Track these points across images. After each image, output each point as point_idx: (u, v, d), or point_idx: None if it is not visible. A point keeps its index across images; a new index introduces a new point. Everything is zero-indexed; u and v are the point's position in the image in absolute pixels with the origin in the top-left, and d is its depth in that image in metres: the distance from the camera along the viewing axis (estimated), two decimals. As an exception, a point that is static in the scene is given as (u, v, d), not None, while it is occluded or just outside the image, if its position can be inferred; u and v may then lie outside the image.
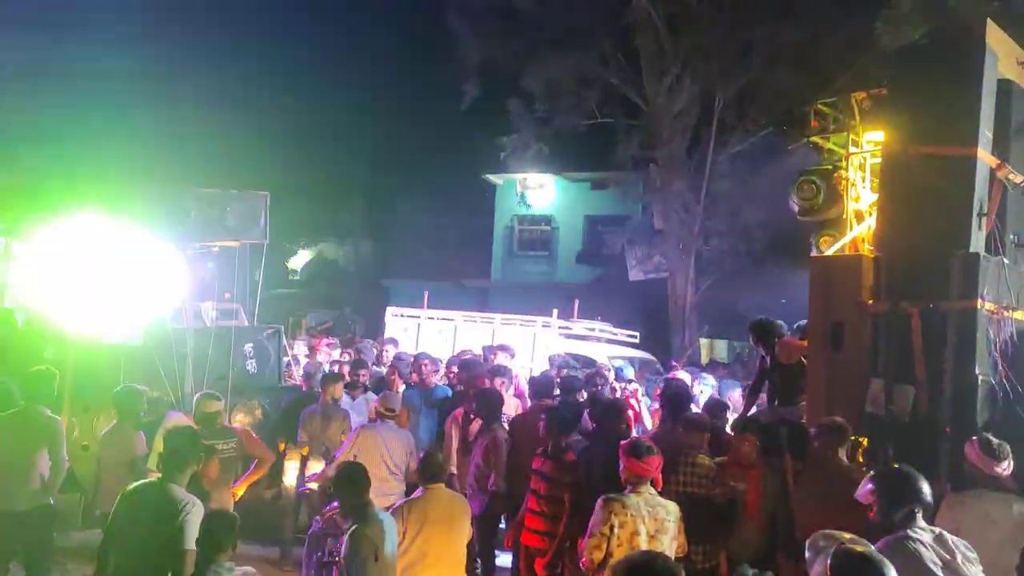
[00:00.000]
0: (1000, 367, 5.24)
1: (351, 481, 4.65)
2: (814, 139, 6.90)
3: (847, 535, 3.34)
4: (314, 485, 7.14)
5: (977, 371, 5.22)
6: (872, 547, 3.17)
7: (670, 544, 4.66)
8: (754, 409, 7.33)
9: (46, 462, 5.77)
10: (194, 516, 4.36)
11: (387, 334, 12.20)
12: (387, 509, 5.85)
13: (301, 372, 9.82)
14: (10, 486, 5.64)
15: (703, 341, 18.88)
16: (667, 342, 16.69)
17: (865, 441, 5.57)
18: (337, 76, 23.45)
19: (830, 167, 6.85)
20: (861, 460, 5.51)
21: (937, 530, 3.77)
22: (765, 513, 5.48)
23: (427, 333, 12.15)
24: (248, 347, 8.87)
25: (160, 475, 4.67)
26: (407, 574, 4.86)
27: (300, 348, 12.68)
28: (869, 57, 8.11)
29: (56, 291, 7.70)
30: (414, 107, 22.89)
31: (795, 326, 7.11)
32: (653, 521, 4.61)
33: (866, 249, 6.46)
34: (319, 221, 23.44)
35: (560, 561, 5.70)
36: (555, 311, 11.87)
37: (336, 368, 8.90)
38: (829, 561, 3.02)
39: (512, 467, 6.59)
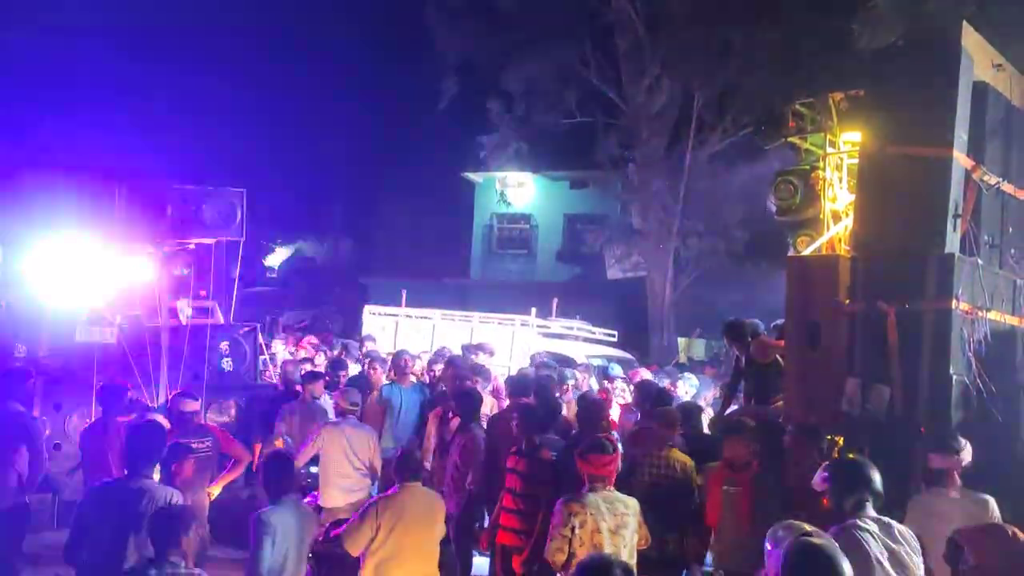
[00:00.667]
0: (974, 366, 5.29)
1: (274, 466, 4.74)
2: (792, 139, 6.93)
3: (807, 527, 3.34)
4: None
5: (952, 371, 5.26)
6: (831, 540, 3.19)
7: (631, 539, 4.75)
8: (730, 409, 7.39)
9: (23, 460, 5.70)
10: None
11: (365, 332, 12.14)
12: (355, 504, 5.85)
13: (278, 371, 9.76)
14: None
15: (681, 340, 18.95)
16: (646, 341, 16.75)
17: (841, 440, 5.61)
18: (316, 73, 23.32)
19: (808, 167, 6.89)
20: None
21: (886, 519, 3.86)
22: (760, 515, 5.45)
23: (405, 331, 12.10)
24: (224, 345, 8.80)
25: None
26: (381, 569, 4.88)
27: (278, 347, 12.59)
28: (847, 58, 8.14)
29: (28, 289, 7.60)
30: (393, 105, 22.81)
31: (772, 326, 7.15)
32: (613, 517, 4.69)
33: (843, 249, 6.50)
34: (297, 219, 23.30)
35: (537, 559, 5.70)
36: (534, 310, 11.87)
37: (307, 367, 8.84)
38: (784, 552, 3.04)
39: (489, 466, 6.59)
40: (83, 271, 7.36)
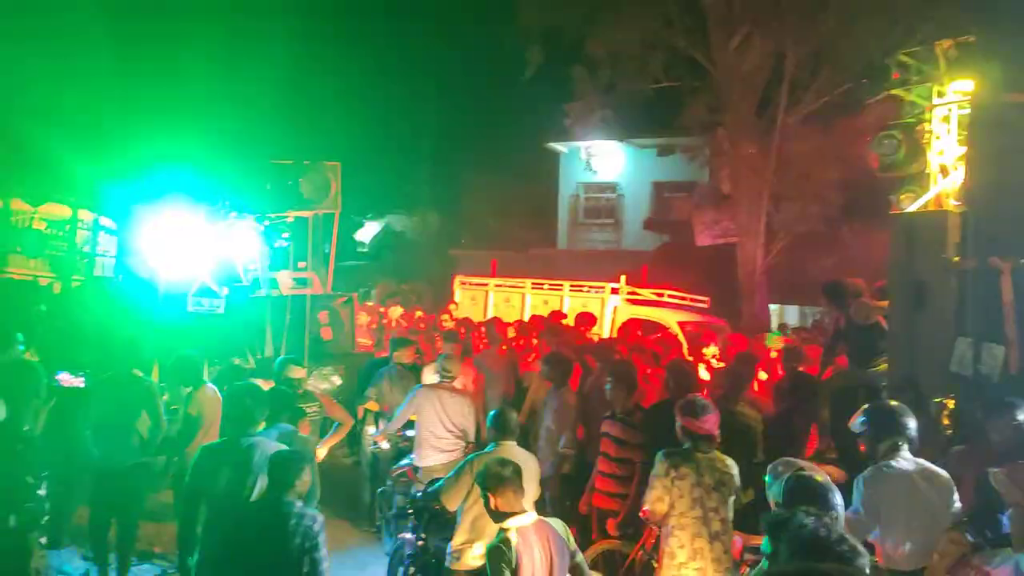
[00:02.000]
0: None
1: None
2: (895, 92, 6.62)
3: (804, 462, 3.76)
4: (384, 444, 7.30)
5: (1071, 328, 5.02)
6: (824, 474, 3.51)
7: (730, 497, 4.74)
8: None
9: (144, 423, 6.04)
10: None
11: (456, 302, 12.34)
12: (450, 464, 5.99)
13: (374, 339, 10.04)
14: (114, 445, 5.95)
15: (773, 307, 18.52)
16: (737, 308, 16.44)
17: (951, 403, 5.42)
18: (401, 48, 23.57)
19: (912, 120, 6.59)
20: (947, 423, 5.37)
21: (921, 462, 4.21)
22: None
23: (495, 301, 12.24)
24: (323, 315, 9.09)
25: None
26: (476, 524, 4.98)
27: (364, 318, 12.95)
28: (952, 5, 7.71)
29: (143, 263, 8.01)
30: (478, 78, 22.83)
31: (874, 287, 6.93)
32: (713, 473, 4.70)
33: (950, 205, 6.24)
34: (386, 194, 23.70)
35: (633, 522, 5.73)
36: (623, 277, 11.82)
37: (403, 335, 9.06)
38: (784, 483, 3.39)
39: (584, 430, 6.65)
40: (192, 245, 7.70)
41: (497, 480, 4.04)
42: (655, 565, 4.78)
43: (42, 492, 4.62)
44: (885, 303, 6.43)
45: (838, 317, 7.06)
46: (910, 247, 5.74)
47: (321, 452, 6.44)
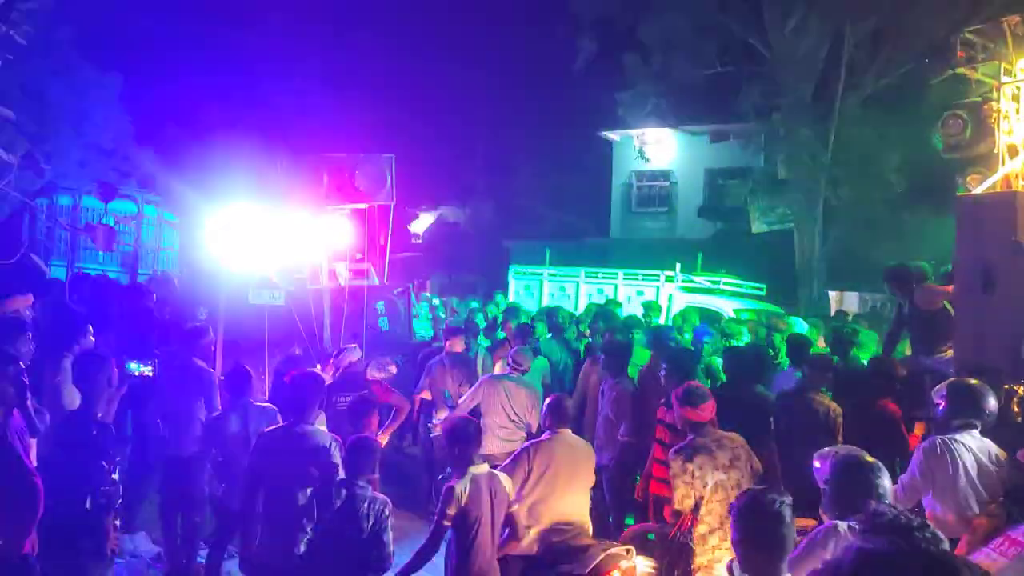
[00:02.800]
0: None
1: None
2: (961, 71, 6.42)
3: (846, 447, 3.98)
4: (439, 431, 7.41)
5: None
6: (867, 455, 3.62)
7: (747, 468, 4.84)
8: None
9: (202, 411, 6.24)
10: (336, 448, 4.77)
11: (511, 291, 12.39)
12: (507, 453, 6.06)
13: (428, 329, 10.14)
14: (180, 432, 6.15)
15: (832, 294, 18.16)
16: (794, 295, 16.17)
17: (1022, 390, 5.27)
18: (454, 39, 23.63)
19: (978, 99, 6.38)
20: (1017, 410, 5.22)
21: (987, 441, 4.31)
22: None
23: (550, 290, 12.26)
24: (380, 305, 9.22)
25: None
26: (534, 511, 5.09)
27: (421, 308, 13.08)
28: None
29: (205, 256, 8.21)
30: (529, 67, 22.78)
31: (940, 271, 6.76)
32: (723, 452, 4.78)
33: (1019, 185, 6.04)
34: (439, 185, 23.83)
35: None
36: (678, 265, 11.74)
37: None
38: (832, 463, 3.48)
39: (640, 418, 6.64)
40: (252, 239, 7.87)
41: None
42: (692, 547, 4.84)
43: (115, 476, 4.81)
44: (950, 288, 6.27)
45: (901, 303, 6.91)
46: (977, 230, 5.60)
47: (383, 439, 6.56)
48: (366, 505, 4.32)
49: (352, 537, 4.28)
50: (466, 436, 4.68)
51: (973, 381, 4.52)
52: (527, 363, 6.98)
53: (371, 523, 4.30)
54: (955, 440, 4.26)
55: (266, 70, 16.49)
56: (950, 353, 6.15)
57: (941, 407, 4.40)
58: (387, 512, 4.36)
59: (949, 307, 6.26)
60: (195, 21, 15.71)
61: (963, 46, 6.21)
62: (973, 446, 4.28)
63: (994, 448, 4.31)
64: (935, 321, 6.39)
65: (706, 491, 4.69)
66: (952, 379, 4.59)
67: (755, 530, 2.91)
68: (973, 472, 4.21)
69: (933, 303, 6.42)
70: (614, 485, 6.75)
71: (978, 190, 6.25)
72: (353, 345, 7.04)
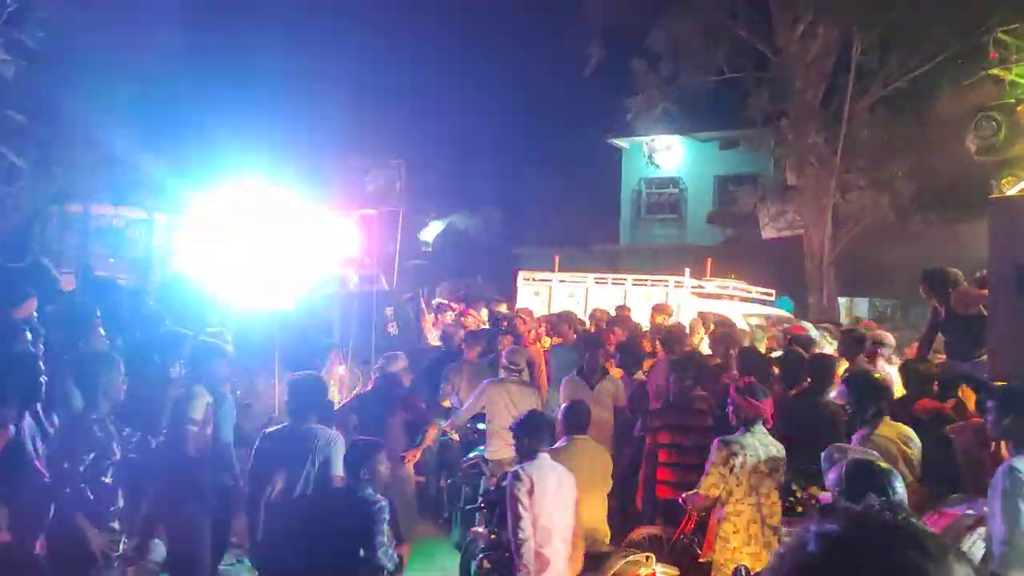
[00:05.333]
0: None
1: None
2: (994, 71, 6.30)
3: (857, 448, 4.11)
4: (454, 435, 7.40)
5: None
6: (880, 459, 3.72)
7: (780, 481, 4.84)
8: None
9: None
10: (338, 447, 4.76)
11: (519, 298, 12.38)
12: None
13: (438, 335, 10.14)
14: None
15: (842, 300, 18.09)
16: (804, 301, 16.11)
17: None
18: (462, 46, 23.69)
19: (1012, 101, 6.25)
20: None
21: (904, 428, 4.61)
22: None
23: (559, 296, 12.24)
24: (389, 311, 9.24)
25: None
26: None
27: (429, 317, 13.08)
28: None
29: (213, 261, 8.26)
30: (538, 74, 22.80)
31: (975, 276, 6.66)
32: (768, 459, 4.78)
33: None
34: (448, 193, 23.84)
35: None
36: (687, 270, 11.71)
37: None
38: (843, 467, 3.42)
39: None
40: (262, 243, 7.91)
41: None
42: (697, 550, 4.83)
43: (108, 480, 4.80)
44: (986, 292, 6.16)
45: (936, 308, 6.80)
46: (1013, 232, 5.46)
47: (410, 459, 6.59)
48: (364, 505, 4.28)
49: (348, 537, 4.27)
50: (536, 428, 4.79)
51: (866, 372, 4.93)
52: (523, 361, 6.96)
53: (366, 523, 4.26)
54: (876, 435, 4.59)
55: (279, 77, 16.59)
56: (986, 358, 6.03)
57: (988, 409, 4.15)
58: (378, 512, 4.30)
59: (985, 312, 6.14)
60: (207, 28, 15.83)
61: (995, 46, 6.11)
62: (894, 436, 4.62)
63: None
64: (970, 326, 6.26)
65: (739, 490, 4.70)
66: (847, 377, 4.91)
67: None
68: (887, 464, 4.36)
69: (969, 308, 6.31)
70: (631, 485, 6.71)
71: (1012, 192, 6.15)
72: (399, 352, 7.04)
